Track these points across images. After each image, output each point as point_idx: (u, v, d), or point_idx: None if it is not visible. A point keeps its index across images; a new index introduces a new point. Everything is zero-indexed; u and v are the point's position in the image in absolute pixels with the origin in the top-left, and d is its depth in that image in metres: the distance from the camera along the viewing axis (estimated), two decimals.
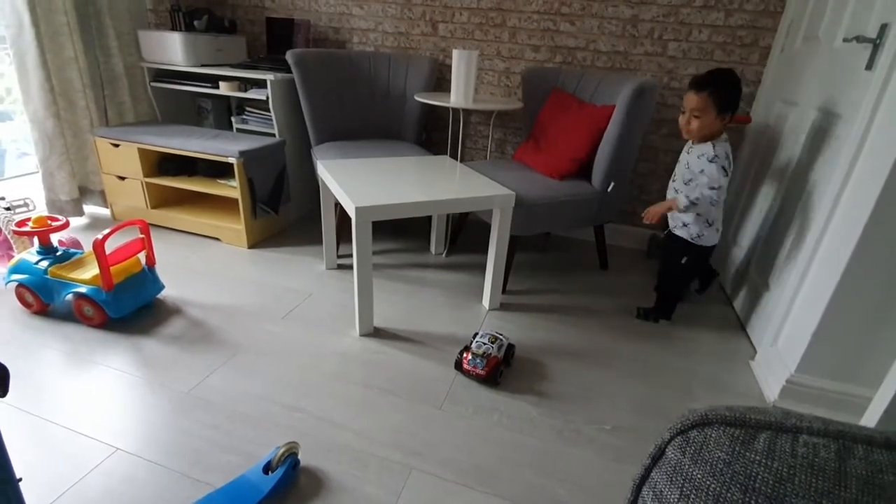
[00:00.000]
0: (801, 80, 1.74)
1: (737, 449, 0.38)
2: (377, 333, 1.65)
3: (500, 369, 1.45)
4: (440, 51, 2.46)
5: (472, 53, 2.00)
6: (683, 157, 1.70)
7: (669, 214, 1.73)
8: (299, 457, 1.13)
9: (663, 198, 1.76)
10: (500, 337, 1.50)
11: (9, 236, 1.74)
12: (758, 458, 0.37)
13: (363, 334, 1.63)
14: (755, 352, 1.67)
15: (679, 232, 1.70)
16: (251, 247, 2.22)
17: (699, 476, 0.38)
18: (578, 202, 1.91)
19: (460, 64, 2.01)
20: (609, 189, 1.93)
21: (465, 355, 1.46)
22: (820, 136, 1.54)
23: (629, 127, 1.80)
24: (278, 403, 1.32)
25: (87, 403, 1.30)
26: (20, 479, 0.80)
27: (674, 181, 1.73)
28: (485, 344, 1.46)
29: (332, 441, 1.22)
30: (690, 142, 1.67)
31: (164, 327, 1.61)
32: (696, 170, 1.60)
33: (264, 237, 2.31)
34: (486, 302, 1.86)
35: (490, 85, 2.46)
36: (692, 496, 0.38)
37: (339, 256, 2.13)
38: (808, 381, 1.38)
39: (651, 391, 1.46)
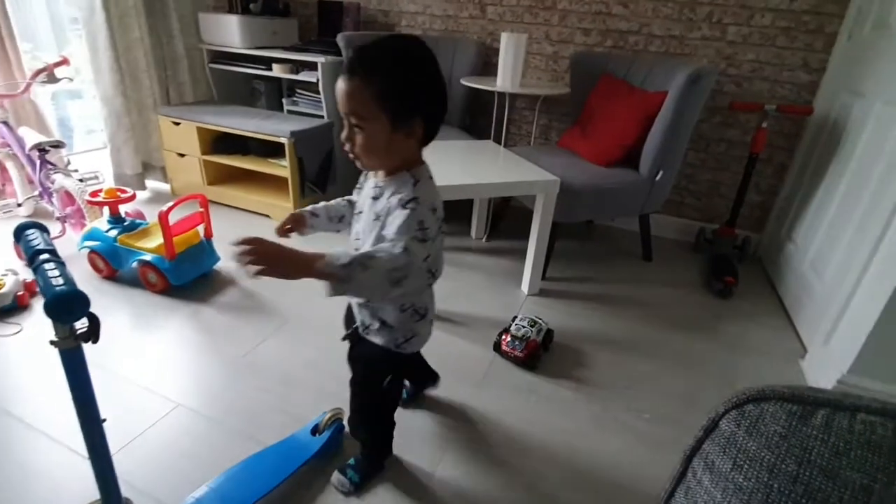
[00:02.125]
0: (868, 69, 1.63)
1: (793, 423, 0.39)
2: None
3: (539, 353, 1.46)
4: (488, 34, 2.45)
5: (521, 37, 1.98)
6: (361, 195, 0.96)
7: (357, 308, 0.98)
8: (344, 423, 1.19)
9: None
10: (540, 321, 1.52)
11: (82, 206, 1.88)
12: (815, 432, 0.38)
13: None
14: (805, 350, 1.62)
15: (375, 338, 0.96)
16: None
17: (753, 448, 0.40)
18: (624, 190, 1.88)
19: (508, 47, 2.00)
20: (657, 178, 1.89)
21: (504, 337, 1.48)
22: (886, 129, 1.45)
23: (682, 114, 1.75)
24: (324, 372, 1.40)
25: (151, 362, 1.41)
26: (104, 420, 0.88)
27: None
28: (524, 327, 1.48)
29: None
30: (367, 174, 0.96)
31: (220, 296, 1.72)
32: (384, 214, 0.85)
33: None
34: (525, 287, 1.87)
35: (537, 69, 2.43)
36: (745, 466, 0.40)
37: None
38: (861, 382, 1.33)
39: (693, 384, 1.45)
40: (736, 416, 0.41)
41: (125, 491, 1.03)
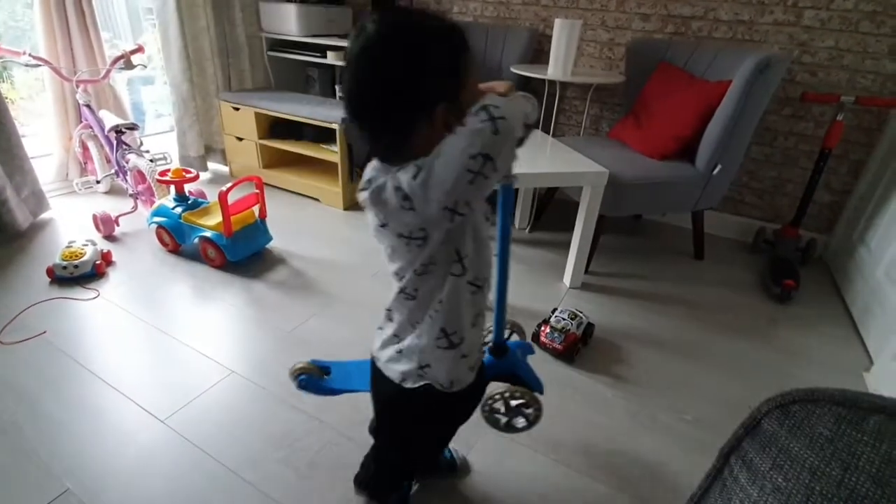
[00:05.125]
0: None
1: (842, 427, 0.37)
2: None
3: (578, 346, 1.45)
4: (541, 20, 2.40)
5: (576, 23, 1.92)
6: None
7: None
8: None
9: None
10: (580, 314, 1.49)
11: (152, 184, 2.02)
12: (865, 438, 0.36)
13: None
14: (871, 362, 1.50)
15: (383, 363, 0.78)
16: (346, 209, 2.37)
17: (796, 449, 0.38)
18: (677, 185, 1.81)
19: (562, 34, 1.95)
20: (714, 172, 1.79)
21: (543, 328, 1.47)
22: None
23: (746, 105, 1.65)
24: (364, 350, 1.43)
25: (208, 330, 1.51)
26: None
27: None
28: (564, 319, 1.46)
29: None
30: None
31: (271, 273, 1.81)
32: None
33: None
34: (567, 280, 1.84)
35: (591, 57, 2.36)
36: (786, 466, 0.38)
37: None
38: None
39: (742, 390, 1.38)
40: (779, 415, 0.40)
41: (184, 446, 1.12)
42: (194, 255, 1.87)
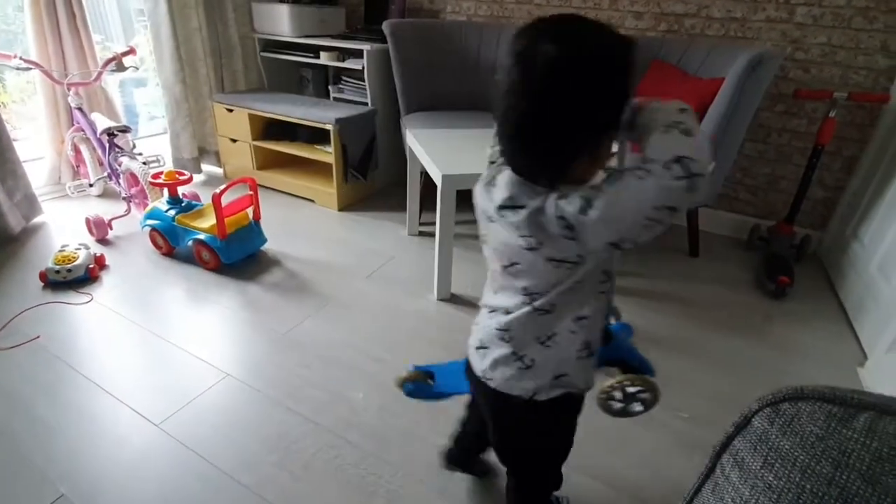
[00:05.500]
0: None
1: (832, 425, 0.37)
2: (454, 299, 1.71)
3: None
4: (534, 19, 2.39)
5: None
6: None
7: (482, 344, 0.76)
8: None
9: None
10: None
11: (146, 187, 2.01)
12: (856, 436, 0.36)
13: (440, 299, 1.70)
14: (865, 357, 1.51)
15: (502, 383, 0.74)
16: (341, 209, 2.37)
17: (787, 447, 0.38)
18: None
19: None
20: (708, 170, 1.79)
21: None
22: None
23: (739, 102, 1.65)
24: (361, 352, 1.44)
25: (203, 333, 1.50)
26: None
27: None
28: None
29: None
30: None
31: (266, 275, 1.80)
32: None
33: (353, 201, 2.45)
34: None
35: None
36: (776, 465, 0.38)
37: (420, 224, 2.21)
38: None
39: (737, 387, 1.39)
40: (770, 413, 0.40)
41: (179, 450, 1.11)
42: (188, 258, 1.86)
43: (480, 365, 0.75)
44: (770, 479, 0.39)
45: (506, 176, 0.64)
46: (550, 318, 0.67)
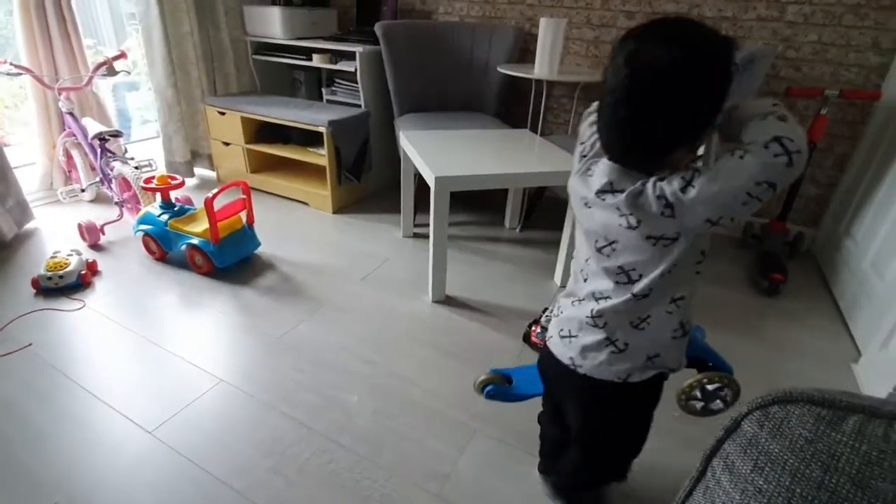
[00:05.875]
0: None
1: (821, 428, 0.37)
2: (448, 301, 1.71)
3: None
4: (526, 20, 2.40)
5: (561, 22, 1.92)
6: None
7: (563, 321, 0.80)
8: None
9: None
10: None
11: (138, 192, 2.00)
12: (845, 439, 0.36)
13: (435, 301, 1.70)
14: (859, 354, 1.51)
15: (592, 369, 0.76)
16: (335, 212, 2.36)
17: (776, 450, 0.38)
18: None
19: (547, 33, 1.95)
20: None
21: (533, 328, 1.47)
22: None
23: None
24: (355, 355, 1.44)
25: (197, 339, 1.49)
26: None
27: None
28: None
29: (402, 394, 1.30)
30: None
31: (259, 279, 1.79)
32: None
33: (347, 203, 2.44)
34: (558, 278, 1.84)
35: (577, 55, 2.36)
36: (766, 468, 0.38)
37: (415, 226, 2.20)
38: None
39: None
40: (759, 417, 0.40)
41: (172, 457, 1.11)
42: (181, 263, 1.85)
43: (566, 353, 0.78)
44: (760, 482, 0.38)
45: (603, 164, 0.69)
46: (647, 302, 0.70)
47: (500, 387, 1.04)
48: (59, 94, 2.08)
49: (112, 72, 2.16)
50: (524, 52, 2.43)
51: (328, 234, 2.17)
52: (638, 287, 0.69)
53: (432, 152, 1.68)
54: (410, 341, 1.51)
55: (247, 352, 1.44)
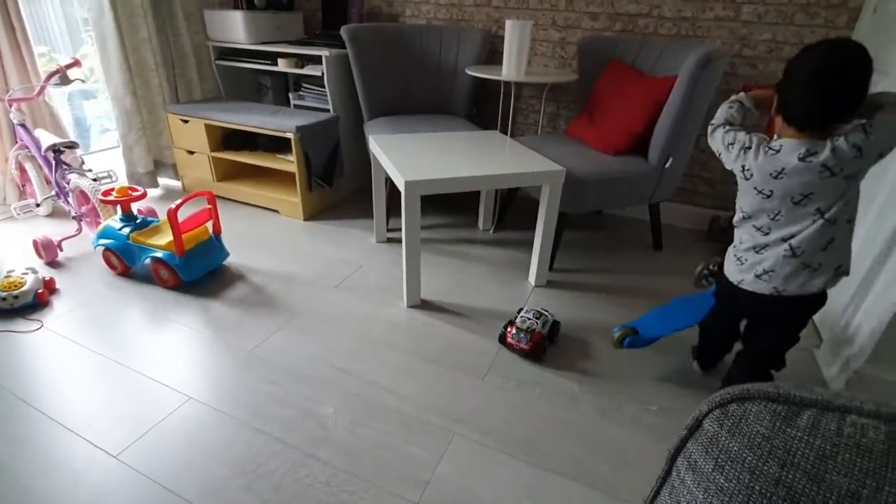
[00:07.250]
0: (895, 46, 1.56)
1: (777, 424, 0.37)
2: (424, 305, 1.70)
3: (544, 345, 1.45)
4: (493, 22, 2.41)
5: (526, 24, 1.94)
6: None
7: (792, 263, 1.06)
8: None
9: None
10: (546, 313, 1.50)
11: (96, 205, 1.92)
12: (799, 434, 0.36)
13: (410, 306, 1.69)
14: (820, 340, 1.57)
15: (796, 289, 1.07)
16: (307, 219, 2.32)
17: (735, 448, 0.38)
18: (632, 179, 1.84)
19: (513, 35, 1.96)
20: (666, 165, 1.84)
21: (509, 329, 1.48)
22: None
23: (692, 99, 1.70)
24: (331, 365, 1.41)
25: (163, 356, 1.44)
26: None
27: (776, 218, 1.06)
28: (529, 319, 1.47)
29: (379, 402, 1.29)
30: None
31: (229, 291, 1.74)
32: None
33: (319, 210, 2.41)
34: (532, 279, 1.86)
35: (544, 56, 2.38)
36: (727, 467, 0.39)
37: (388, 230, 2.19)
38: (882, 373, 1.29)
39: (704, 378, 1.42)
40: (719, 415, 0.40)
41: (139, 482, 1.06)
42: (146, 277, 1.79)
43: (767, 287, 1.09)
44: (721, 481, 0.39)
45: (785, 142, 1.01)
46: (833, 228, 1.00)
47: (633, 338, 1.37)
48: (10, 105, 1.98)
49: (66, 80, 2.07)
50: (492, 53, 2.44)
51: (300, 241, 2.13)
52: (828, 214, 0.99)
53: (402, 156, 1.67)
54: (386, 348, 1.49)
55: (217, 367, 1.40)
